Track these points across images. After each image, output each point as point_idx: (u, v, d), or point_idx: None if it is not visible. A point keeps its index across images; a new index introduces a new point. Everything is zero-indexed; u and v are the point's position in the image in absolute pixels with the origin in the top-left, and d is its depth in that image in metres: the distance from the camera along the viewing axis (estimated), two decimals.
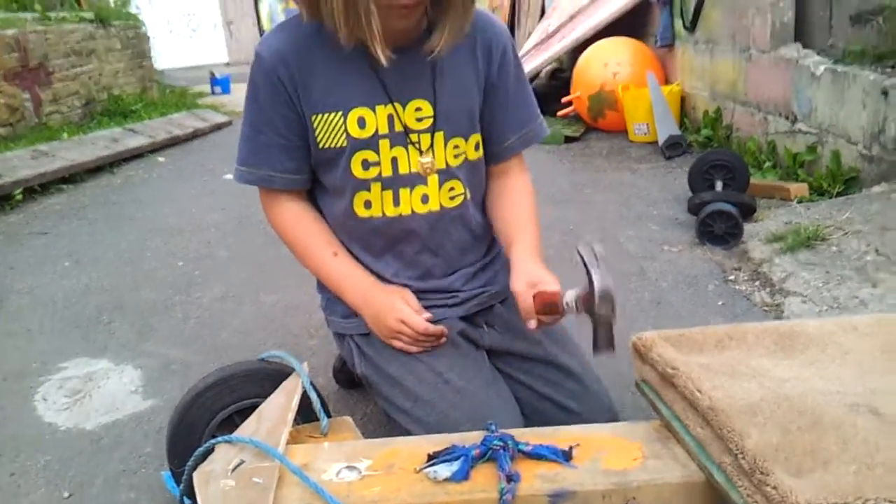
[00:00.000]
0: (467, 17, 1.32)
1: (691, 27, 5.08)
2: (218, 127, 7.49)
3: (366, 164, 1.40)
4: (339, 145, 1.39)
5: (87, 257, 3.48)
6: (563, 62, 7.68)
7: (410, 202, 1.44)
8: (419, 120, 1.40)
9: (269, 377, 1.46)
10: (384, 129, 1.38)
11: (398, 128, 1.39)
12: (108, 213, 4.35)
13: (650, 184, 4.20)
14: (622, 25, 5.83)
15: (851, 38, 3.44)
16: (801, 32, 3.91)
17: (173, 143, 6.59)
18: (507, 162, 1.56)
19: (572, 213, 3.69)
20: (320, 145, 1.40)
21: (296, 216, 1.49)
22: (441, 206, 1.47)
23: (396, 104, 1.38)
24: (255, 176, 1.44)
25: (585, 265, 1.23)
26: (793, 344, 1.30)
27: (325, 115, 1.37)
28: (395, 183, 1.43)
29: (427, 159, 1.42)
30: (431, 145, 1.42)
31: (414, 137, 1.41)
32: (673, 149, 4.75)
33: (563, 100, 5.83)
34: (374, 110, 1.37)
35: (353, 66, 1.34)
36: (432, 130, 1.41)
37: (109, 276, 3.20)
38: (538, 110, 1.57)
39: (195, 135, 7.00)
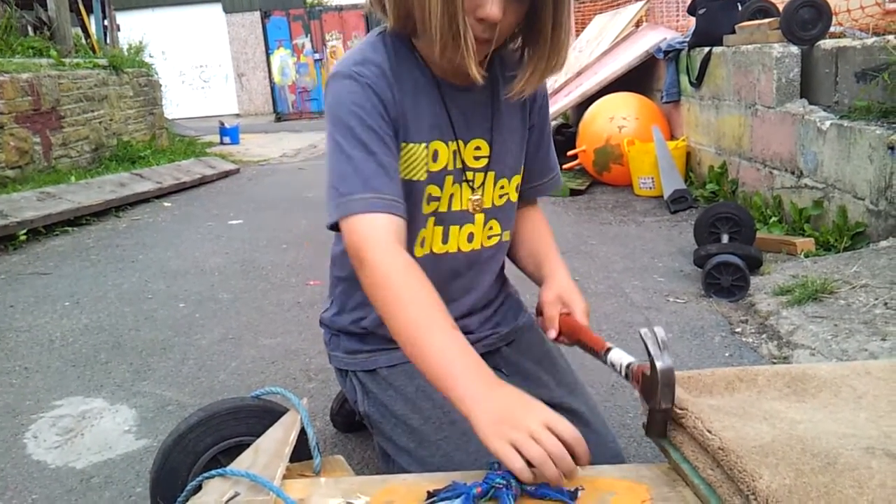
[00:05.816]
0: (560, 63, 1.29)
1: (697, 83, 5.12)
2: (225, 174, 7.54)
3: (430, 199, 1.37)
4: (418, 178, 1.33)
5: (88, 298, 3.45)
6: (569, 118, 7.76)
7: (458, 240, 1.43)
8: (477, 159, 1.40)
9: (255, 415, 1.39)
10: (451, 165, 1.36)
11: (458, 165, 1.38)
12: (112, 255, 4.34)
13: (655, 237, 4.18)
14: (628, 81, 5.91)
15: (857, 95, 3.46)
16: (807, 89, 3.93)
17: (180, 188, 6.63)
18: (530, 203, 1.61)
19: (577, 264, 3.66)
20: (402, 176, 1.30)
21: (410, 262, 1.19)
22: (482, 244, 1.46)
23: (460, 141, 1.37)
24: (384, 202, 1.20)
25: (648, 352, 1.16)
26: (805, 387, 1.26)
27: (413, 146, 1.31)
28: (446, 220, 1.40)
29: (477, 196, 1.42)
30: (483, 184, 1.42)
31: (469, 175, 1.40)
32: (678, 203, 4.75)
33: (569, 153, 5.86)
34: (447, 145, 1.35)
35: (430, 98, 1.32)
36: (486, 170, 1.41)
37: (109, 317, 3.17)
38: (557, 160, 1.62)
39: (202, 181, 7.05)
